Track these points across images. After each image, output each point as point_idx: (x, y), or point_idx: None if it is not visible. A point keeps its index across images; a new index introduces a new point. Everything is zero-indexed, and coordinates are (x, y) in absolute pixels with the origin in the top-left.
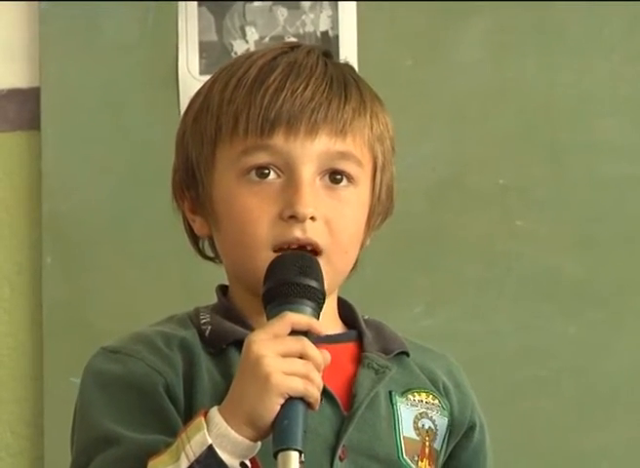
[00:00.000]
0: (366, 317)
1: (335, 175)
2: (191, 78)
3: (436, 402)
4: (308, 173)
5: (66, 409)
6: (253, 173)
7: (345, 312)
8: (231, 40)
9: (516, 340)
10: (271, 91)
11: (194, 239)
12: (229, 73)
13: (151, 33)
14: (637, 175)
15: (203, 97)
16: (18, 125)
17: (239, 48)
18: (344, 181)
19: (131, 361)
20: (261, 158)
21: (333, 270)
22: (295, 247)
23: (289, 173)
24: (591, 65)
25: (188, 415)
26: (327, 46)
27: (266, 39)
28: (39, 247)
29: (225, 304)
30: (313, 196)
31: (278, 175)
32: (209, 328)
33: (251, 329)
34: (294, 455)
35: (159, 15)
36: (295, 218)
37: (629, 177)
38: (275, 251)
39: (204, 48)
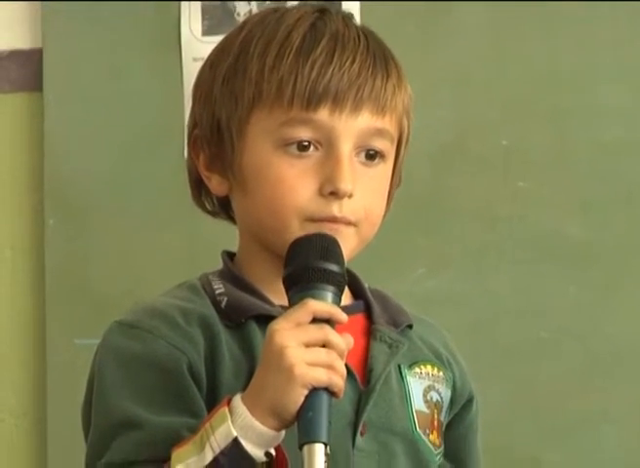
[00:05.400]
0: (367, 286)
1: (370, 153)
2: (194, 40)
3: (441, 374)
4: (348, 148)
5: (70, 370)
6: (294, 146)
7: (351, 281)
8: (234, 1)
9: (517, 302)
10: (319, 63)
11: (198, 192)
12: (265, 37)
13: None
14: (638, 139)
15: (234, 57)
16: (20, 86)
17: (242, 9)
18: (377, 159)
19: (150, 338)
20: (303, 132)
21: (360, 241)
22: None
23: (329, 147)
24: (593, 30)
25: (211, 394)
26: None
27: (267, 2)
28: (41, 208)
29: (235, 272)
30: (352, 173)
31: (317, 149)
32: (225, 299)
33: (266, 300)
34: (319, 448)
35: None
36: (334, 195)
37: (630, 141)
38: (308, 221)
39: (206, 9)
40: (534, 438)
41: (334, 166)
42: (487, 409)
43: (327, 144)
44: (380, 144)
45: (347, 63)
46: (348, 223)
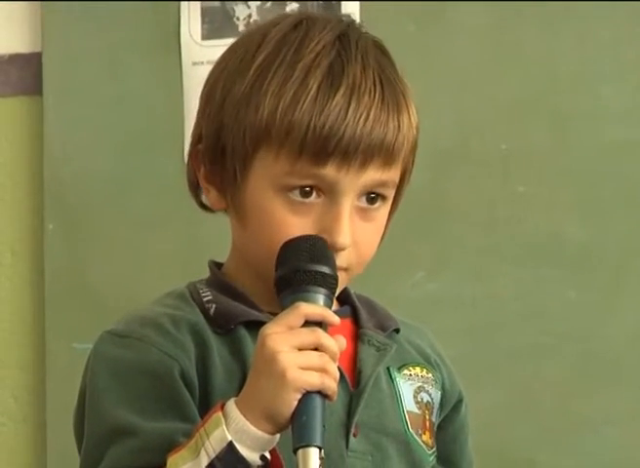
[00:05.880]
0: (353, 292)
1: (370, 196)
2: (193, 44)
3: (430, 375)
4: (349, 202)
5: (69, 375)
6: (296, 191)
7: None
8: (233, 5)
9: (518, 305)
10: (332, 118)
11: (196, 192)
12: (282, 73)
13: None
14: (638, 140)
15: (249, 85)
16: (20, 90)
17: (241, 13)
18: (378, 202)
19: (142, 346)
20: (307, 181)
21: (349, 278)
22: None
23: (331, 198)
24: (593, 30)
25: (204, 400)
26: None
27: (268, 4)
28: (41, 213)
29: (223, 281)
30: (351, 226)
31: (319, 195)
32: (213, 306)
33: (255, 307)
34: (313, 452)
35: None
36: (331, 248)
37: (631, 142)
38: None
39: (206, 13)
40: (534, 441)
41: (333, 219)
42: (488, 411)
43: (329, 195)
44: (382, 190)
45: (361, 121)
46: (340, 269)
